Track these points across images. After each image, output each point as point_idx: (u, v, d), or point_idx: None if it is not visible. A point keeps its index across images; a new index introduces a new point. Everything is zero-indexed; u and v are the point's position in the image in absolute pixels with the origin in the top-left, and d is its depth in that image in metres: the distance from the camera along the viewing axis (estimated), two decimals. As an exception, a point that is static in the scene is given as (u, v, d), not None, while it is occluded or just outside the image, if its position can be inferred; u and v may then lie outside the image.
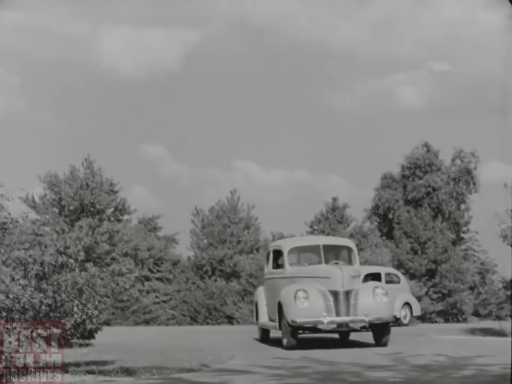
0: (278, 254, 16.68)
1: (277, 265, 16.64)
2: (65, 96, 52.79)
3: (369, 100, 60.35)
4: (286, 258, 16.09)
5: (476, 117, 60.80)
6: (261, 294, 17.56)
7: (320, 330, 14.77)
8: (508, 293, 39.09)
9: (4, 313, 9.15)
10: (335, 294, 14.49)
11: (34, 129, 52.86)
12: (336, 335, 16.58)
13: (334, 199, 45.54)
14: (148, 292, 41.44)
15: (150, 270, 42.48)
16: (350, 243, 17.15)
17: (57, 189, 39.18)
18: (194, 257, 43.64)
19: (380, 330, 14.95)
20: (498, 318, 37.97)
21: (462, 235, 44.64)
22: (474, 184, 43.35)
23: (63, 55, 56.95)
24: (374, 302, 14.70)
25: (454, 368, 10.41)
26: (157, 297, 41.56)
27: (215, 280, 41.20)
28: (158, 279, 42.63)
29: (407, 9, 59.73)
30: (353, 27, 60.83)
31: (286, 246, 16.70)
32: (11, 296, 9.44)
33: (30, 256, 10.28)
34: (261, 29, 62.90)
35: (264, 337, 17.67)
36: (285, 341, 14.82)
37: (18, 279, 9.89)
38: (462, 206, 43.91)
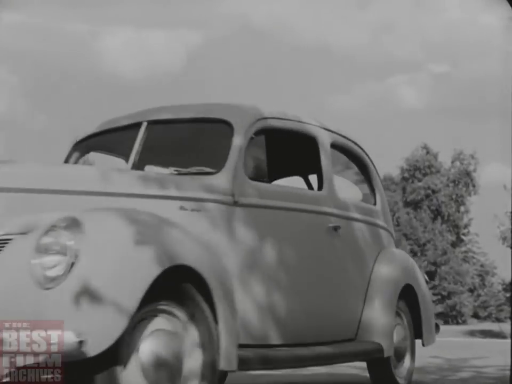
0: None
1: None
2: (66, 97, 52.88)
3: (369, 101, 60.46)
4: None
5: (475, 119, 60.94)
6: None
7: None
8: (507, 294, 39.16)
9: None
10: None
11: (33, 129, 52.97)
12: None
13: (334, 201, 45.62)
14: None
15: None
16: (227, 113, 5.09)
17: (57, 190, 39.29)
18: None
19: None
20: (498, 320, 38.05)
21: (462, 237, 44.72)
22: (473, 186, 43.46)
23: (64, 56, 57.05)
24: None
25: (452, 370, 10.44)
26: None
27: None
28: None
29: (407, 11, 59.86)
30: (353, 29, 60.96)
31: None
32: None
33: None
34: (262, 31, 63.00)
35: None
36: None
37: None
38: (462, 208, 44.01)
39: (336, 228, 5.52)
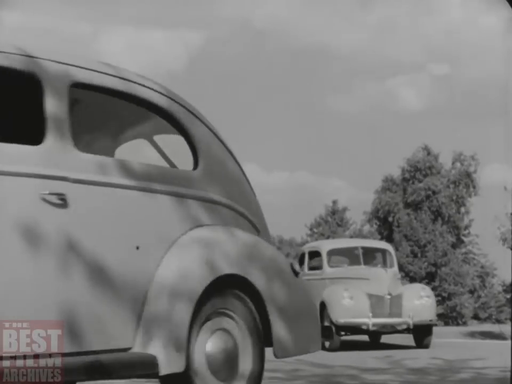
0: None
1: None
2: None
3: (369, 102, 60.46)
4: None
5: (476, 120, 60.93)
6: None
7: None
8: (508, 296, 39.15)
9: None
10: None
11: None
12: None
13: (334, 202, 45.62)
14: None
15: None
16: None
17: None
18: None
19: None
20: (498, 321, 38.02)
21: (462, 238, 44.66)
22: (474, 187, 43.40)
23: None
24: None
25: (452, 372, 10.43)
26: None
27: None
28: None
29: (408, 12, 59.83)
30: (354, 30, 60.94)
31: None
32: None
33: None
34: (262, 31, 63.02)
35: None
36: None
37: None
38: (462, 209, 43.95)
39: (61, 198, 4.04)
